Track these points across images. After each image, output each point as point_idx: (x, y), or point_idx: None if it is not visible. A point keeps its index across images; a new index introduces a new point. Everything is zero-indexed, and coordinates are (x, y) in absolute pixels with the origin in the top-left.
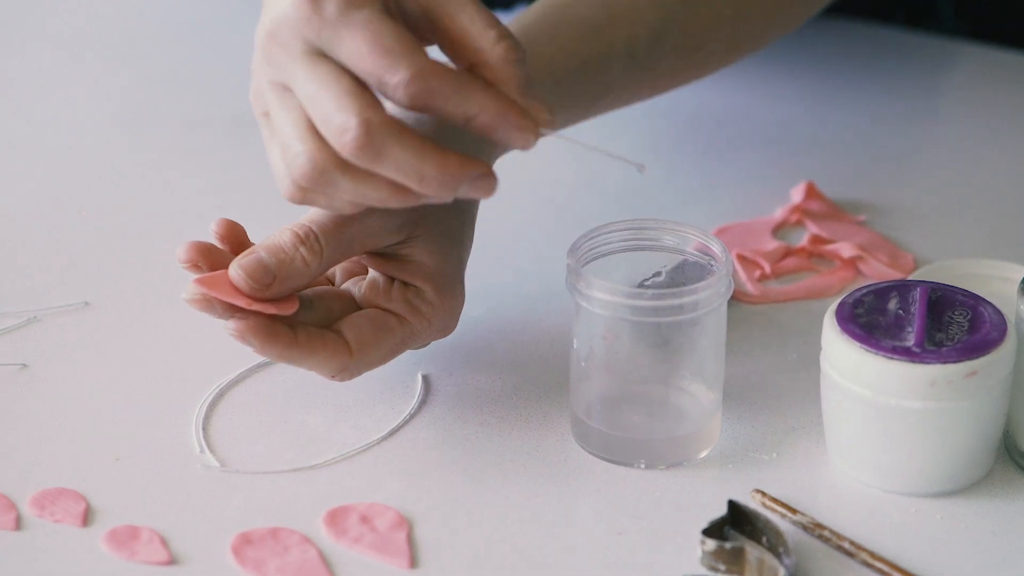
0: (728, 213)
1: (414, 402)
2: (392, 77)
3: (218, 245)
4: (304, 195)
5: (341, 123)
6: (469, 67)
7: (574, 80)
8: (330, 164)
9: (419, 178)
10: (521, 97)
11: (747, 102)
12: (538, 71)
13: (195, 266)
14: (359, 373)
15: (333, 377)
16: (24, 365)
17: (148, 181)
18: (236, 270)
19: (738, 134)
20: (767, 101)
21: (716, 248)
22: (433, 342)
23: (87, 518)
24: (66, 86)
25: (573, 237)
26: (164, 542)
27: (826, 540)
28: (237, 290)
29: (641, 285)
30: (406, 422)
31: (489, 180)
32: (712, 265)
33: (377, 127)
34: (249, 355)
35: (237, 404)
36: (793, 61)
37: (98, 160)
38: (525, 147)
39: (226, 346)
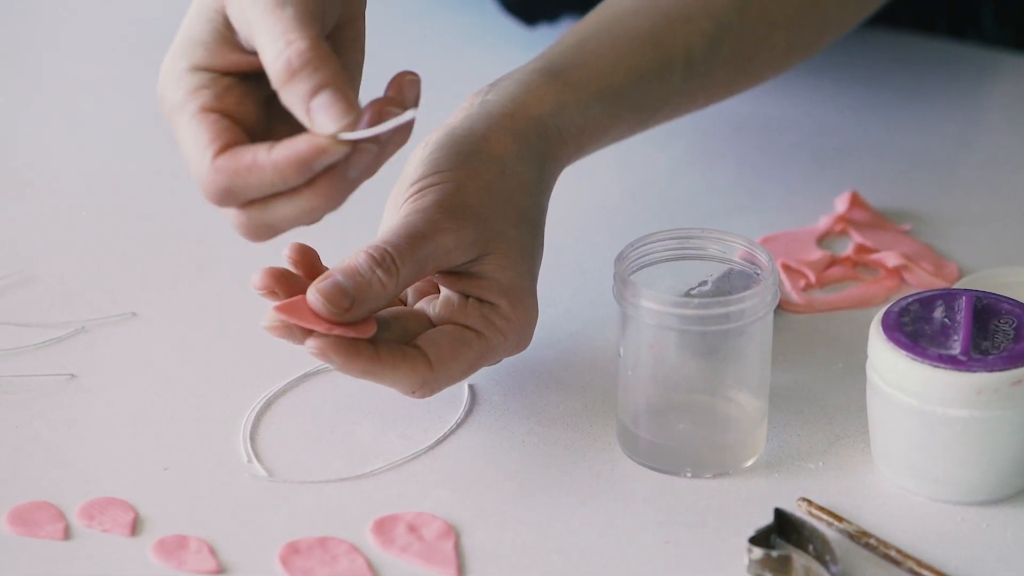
0: (772, 223)
1: (461, 411)
2: (198, 186)
3: (292, 270)
4: (257, 239)
5: (232, 223)
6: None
7: (633, 92)
8: (240, 220)
9: (275, 187)
10: (306, 118)
11: (790, 112)
12: (598, 83)
13: (271, 293)
14: (439, 389)
15: (413, 393)
16: (72, 375)
17: (196, 191)
18: (314, 295)
19: (782, 144)
20: (810, 111)
21: (762, 257)
22: None
23: (135, 528)
24: (115, 91)
25: (619, 246)
26: (213, 551)
27: (872, 548)
28: (316, 315)
29: (687, 294)
30: (453, 431)
31: (331, 149)
32: (758, 274)
33: (210, 187)
34: (296, 365)
35: (284, 414)
36: (836, 71)
37: (146, 169)
38: (341, 156)
39: (273, 356)
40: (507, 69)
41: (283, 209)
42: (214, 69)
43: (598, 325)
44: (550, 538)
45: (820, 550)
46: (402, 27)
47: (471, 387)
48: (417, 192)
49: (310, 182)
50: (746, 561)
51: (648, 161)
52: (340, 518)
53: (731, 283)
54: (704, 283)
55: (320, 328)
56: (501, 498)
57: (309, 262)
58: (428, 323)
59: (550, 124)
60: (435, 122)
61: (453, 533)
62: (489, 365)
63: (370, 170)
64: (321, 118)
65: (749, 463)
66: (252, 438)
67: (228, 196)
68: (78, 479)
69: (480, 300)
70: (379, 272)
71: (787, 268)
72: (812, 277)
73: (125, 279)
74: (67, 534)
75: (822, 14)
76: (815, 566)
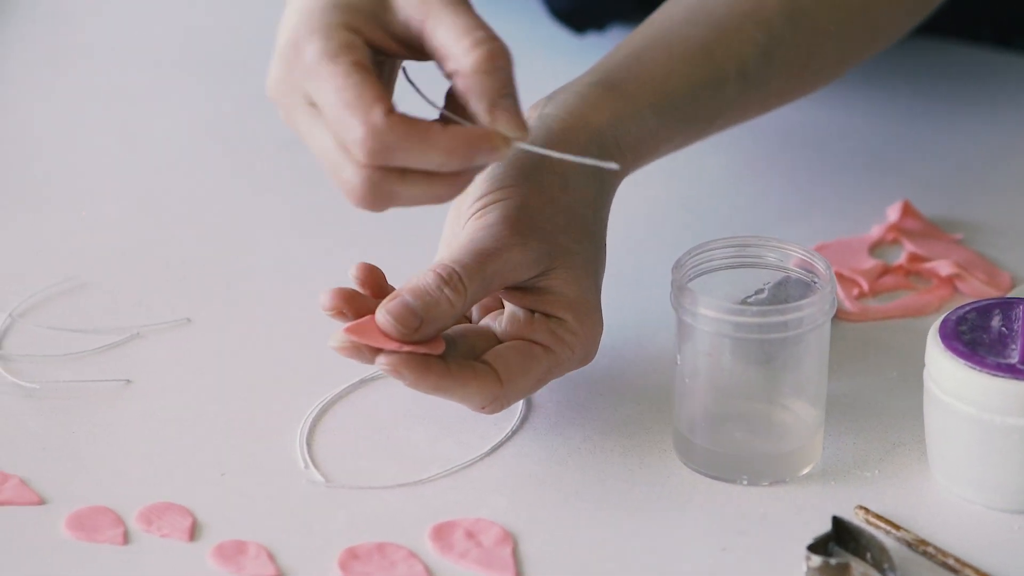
0: (825, 231)
1: (516, 418)
2: (347, 135)
3: (358, 290)
4: (373, 205)
5: (346, 177)
6: (450, 77)
7: (688, 103)
8: (372, 180)
9: (436, 167)
10: (488, 112)
11: (841, 122)
12: (654, 95)
13: (340, 313)
14: (508, 404)
15: (483, 409)
16: (128, 381)
17: (250, 198)
18: (384, 315)
19: (833, 153)
20: (861, 121)
21: (819, 265)
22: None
23: (194, 533)
24: (169, 102)
25: (674, 254)
26: (271, 557)
27: (930, 556)
28: (385, 335)
29: (744, 302)
30: (509, 438)
31: (500, 151)
32: (815, 282)
33: (374, 141)
34: (351, 371)
35: (341, 420)
36: (885, 81)
37: (200, 177)
38: (500, 160)
39: (328, 362)
40: (556, 77)
41: (418, 187)
42: (365, 36)
43: (654, 333)
44: (606, 545)
45: (878, 558)
46: None
47: None
48: (481, 208)
49: (456, 173)
50: (804, 569)
51: (701, 170)
52: (398, 524)
53: (788, 291)
54: (761, 291)
55: (390, 347)
56: (557, 505)
57: (375, 281)
58: (495, 340)
59: (608, 136)
60: None
61: (511, 539)
62: (555, 378)
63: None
64: (504, 118)
65: (805, 471)
66: (308, 444)
67: (386, 155)
68: (136, 484)
69: (546, 315)
70: (447, 291)
71: (840, 276)
72: (865, 286)
73: (180, 285)
74: (126, 539)
75: (872, 23)
76: (873, 574)
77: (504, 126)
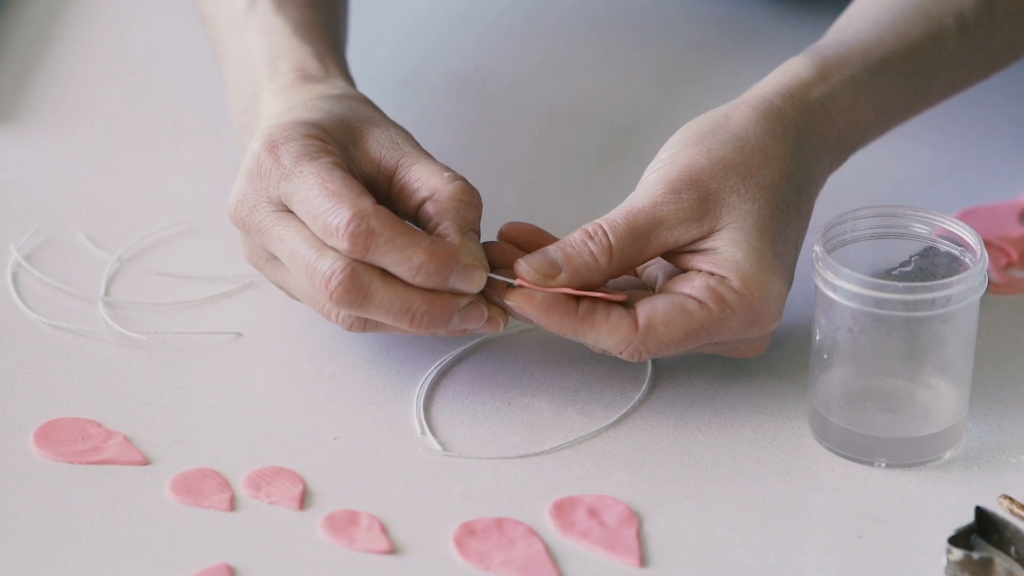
0: (973, 195)
1: (643, 388)
2: (334, 218)
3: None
4: (349, 295)
5: (324, 269)
6: (419, 205)
7: (905, 60)
8: (353, 268)
9: (413, 271)
10: (460, 234)
11: (992, 79)
12: (863, 59)
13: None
14: (652, 354)
15: (621, 354)
16: (239, 334)
17: None
18: (521, 263)
19: (982, 113)
20: (1012, 78)
21: (971, 239)
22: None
23: (304, 500)
24: None
25: (815, 223)
26: (384, 529)
27: None
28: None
29: (889, 274)
30: (635, 408)
31: (472, 273)
32: (963, 255)
33: (360, 221)
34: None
35: (460, 383)
36: None
37: None
38: (474, 290)
39: None
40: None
41: (390, 289)
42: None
43: (791, 304)
44: (736, 528)
45: (1023, 552)
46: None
47: (653, 362)
48: (647, 175)
49: (432, 294)
50: (944, 562)
51: None
52: (517, 498)
53: (935, 262)
54: (907, 263)
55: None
56: (685, 483)
57: (527, 238)
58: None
59: (811, 98)
60: None
61: (635, 519)
62: (720, 344)
63: (464, 330)
64: (470, 246)
65: (947, 455)
66: (426, 408)
67: (367, 241)
68: (244, 445)
69: (710, 273)
70: (590, 244)
71: (988, 245)
72: (1014, 255)
73: None
74: (233, 505)
75: None
76: (1018, 570)
77: (468, 251)
